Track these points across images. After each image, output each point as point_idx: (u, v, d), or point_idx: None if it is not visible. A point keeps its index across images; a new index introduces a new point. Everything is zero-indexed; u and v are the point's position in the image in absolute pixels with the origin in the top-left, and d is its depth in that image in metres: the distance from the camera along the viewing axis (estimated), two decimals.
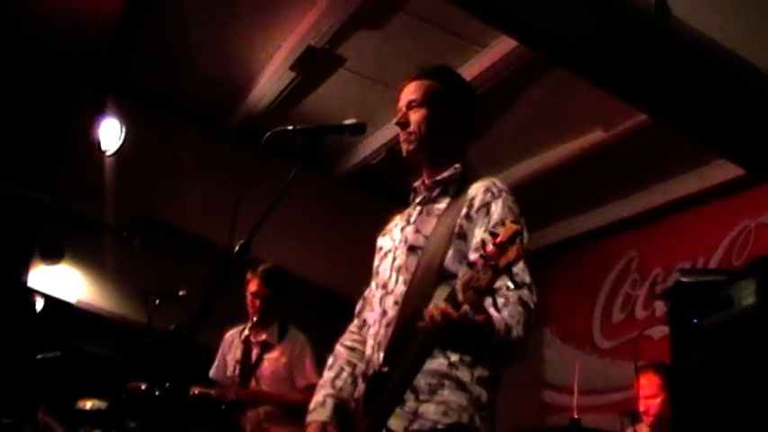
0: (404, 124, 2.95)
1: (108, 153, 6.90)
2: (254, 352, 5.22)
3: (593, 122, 6.06)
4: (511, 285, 2.42)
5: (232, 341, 5.36)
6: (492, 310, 2.43)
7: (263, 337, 5.23)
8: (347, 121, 3.08)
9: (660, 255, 7.00)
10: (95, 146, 6.91)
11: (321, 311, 5.44)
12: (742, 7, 3.38)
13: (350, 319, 3.04)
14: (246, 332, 5.27)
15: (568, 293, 7.77)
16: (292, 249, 7.05)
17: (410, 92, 2.96)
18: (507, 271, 2.31)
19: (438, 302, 2.36)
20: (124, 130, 6.90)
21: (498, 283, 2.39)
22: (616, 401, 6.71)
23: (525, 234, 2.75)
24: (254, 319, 5.20)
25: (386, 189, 7.13)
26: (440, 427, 2.57)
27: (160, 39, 6.49)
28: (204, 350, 5.54)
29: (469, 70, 5.81)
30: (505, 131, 6.60)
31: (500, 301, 2.48)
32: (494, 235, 2.33)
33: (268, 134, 3.02)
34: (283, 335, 5.27)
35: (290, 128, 3.06)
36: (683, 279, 3.56)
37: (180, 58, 6.61)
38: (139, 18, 6.32)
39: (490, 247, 2.29)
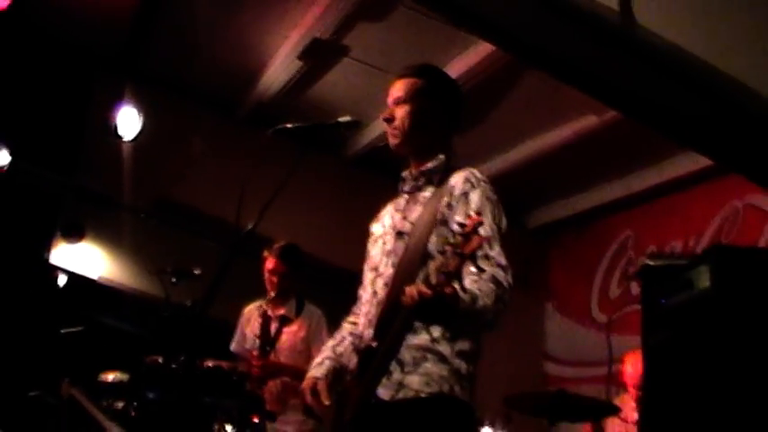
0: (389, 120, 3.24)
1: (126, 139, 7.17)
2: (273, 326, 5.51)
3: (586, 108, 6.28)
4: (474, 270, 2.75)
5: (251, 316, 5.65)
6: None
7: (282, 311, 5.54)
8: (341, 119, 3.41)
9: (654, 233, 7.29)
10: (113, 132, 7.16)
11: (332, 287, 5.71)
12: (703, 13, 3.63)
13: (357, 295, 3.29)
14: (265, 307, 5.59)
15: (568, 270, 8.08)
16: (304, 228, 7.30)
17: (396, 89, 3.24)
18: (472, 257, 2.66)
19: (417, 282, 2.68)
20: (141, 117, 7.15)
21: (472, 268, 2.75)
22: (613, 373, 7.03)
23: (503, 219, 3.09)
24: (272, 294, 5.51)
25: (392, 170, 7.34)
26: (422, 395, 2.87)
27: (175, 28, 6.73)
28: (225, 325, 5.86)
29: (468, 59, 6.09)
30: (504, 116, 6.88)
31: (472, 279, 2.81)
32: (461, 226, 2.66)
33: (270, 131, 3.34)
34: (300, 309, 5.57)
35: (290, 125, 3.37)
36: (650, 263, 3.84)
37: (194, 47, 6.86)
38: (155, 8, 6.57)
39: (457, 237, 2.63)
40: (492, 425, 5.20)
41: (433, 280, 2.62)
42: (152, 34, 6.96)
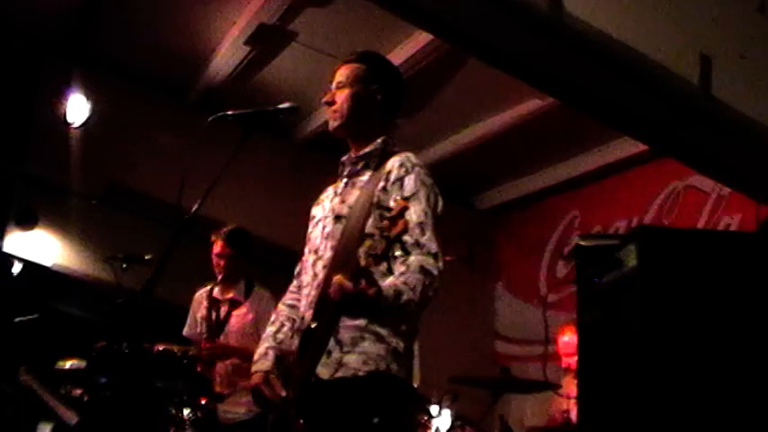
0: (330, 103, 3.35)
1: (74, 126, 7.17)
2: (223, 309, 5.62)
3: (530, 93, 6.38)
4: (400, 253, 2.86)
5: (201, 300, 5.76)
6: (388, 278, 2.87)
7: (231, 294, 5.65)
8: (281, 105, 3.50)
9: (599, 213, 7.47)
10: (62, 118, 7.17)
11: (283, 269, 5.82)
12: (631, 2, 3.75)
13: None
14: (215, 291, 5.69)
15: (518, 250, 8.24)
16: (256, 211, 7.44)
17: (338, 74, 3.35)
18: (398, 240, 2.76)
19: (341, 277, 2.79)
20: (90, 103, 7.16)
21: (397, 252, 2.85)
22: (550, 352, 7.20)
23: (439, 202, 3.20)
24: (220, 278, 5.61)
25: (342, 152, 7.48)
26: (360, 374, 2.99)
27: (122, 13, 6.73)
28: (180, 309, 5.94)
29: (414, 44, 6.19)
30: (451, 100, 6.99)
31: (401, 268, 2.92)
32: (388, 210, 2.77)
33: (210, 119, 3.42)
34: (249, 292, 5.68)
35: (230, 112, 3.46)
36: (582, 243, 3.97)
37: (142, 32, 6.89)
38: None
39: (384, 221, 2.73)
40: (439, 403, 5.33)
41: (362, 262, 2.72)
42: (100, 19, 6.95)
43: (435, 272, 2.97)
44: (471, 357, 7.68)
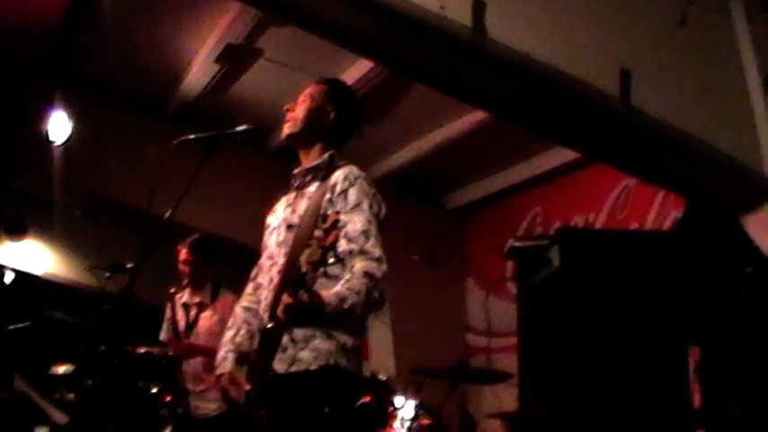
0: (289, 110, 3.71)
1: (57, 144, 7.48)
2: (192, 312, 5.99)
3: None
4: (333, 260, 3.24)
5: (171, 306, 6.12)
6: (336, 286, 3.26)
7: (198, 298, 6.02)
8: (239, 128, 3.85)
9: (559, 210, 7.76)
10: (46, 135, 7.47)
11: None
12: (552, 24, 4.08)
13: None
14: (184, 296, 6.07)
15: (486, 246, 8.52)
16: (231, 216, 7.78)
17: (305, 91, 3.74)
18: (332, 249, 3.15)
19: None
20: (72, 120, 7.47)
21: (331, 260, 3.23)
22: None
23: (382, 209, 3.56)
24: (185, 283, 6.00)
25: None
26: (312, 368, 3.35)
27: (100, 34, 6.89)
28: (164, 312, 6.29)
29: None
30: (414, 106, 7.28)
31: (347, 275, 3.30)
32: (324, 220, 3.15)
33: (174, 142, 3.77)
34: (216, 295, 6.07)
35: (191, 136, 3.80)
36: (515, 244, 4.34)
37: (119, 52, 7.11)
38: (81, 15, 6.88)
39: (319, 232, 3.12)
40: (404, 393, 5.65)
41: (303, 269, 3.10)
42: (79, 40, 7.25)
43: (379, 274, 3.32)
44: (443, 350, 7.95)
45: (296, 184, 3.73)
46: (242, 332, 3.70)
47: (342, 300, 3.22)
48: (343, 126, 3.78)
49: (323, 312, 3.18)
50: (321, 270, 3.19)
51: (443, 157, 7.94)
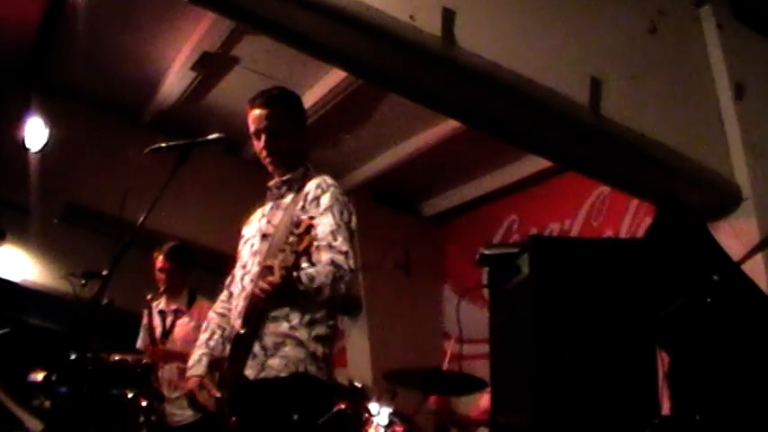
0: (260, 149, 3.72)
1: (33, 150, 7.46)
2: (168, 319, 6.01)
3: None
4: (307, 265, 3.27)
5: (148, 312, 6.13)
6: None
7: (175, 305, 6.04)
8: (211, 136, 3.86)
9: (535, 217, 7.78)
10: (23, 143, 7.46)
11: None
12: (520, 34, 4.13)
13: None
14: (161, 303, 6.08)
15: (463, 253, 8.50)
16: (205, 224, 7.80)
17: (258, 120, 3.69)
18: (305, 254, 3.19)
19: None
20: (48, 128, 7.46)
21: (304, 265, 3.26)
22: None
23: (353, 217, 3.61)
24: (162, 290, 6.01)
25: None
26: (282, 375, 3.40)
27: (78, 42, 6.93)
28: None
29: None
30: (390, 114, 7.27)
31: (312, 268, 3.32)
32: (297, 226, 3.19)
33: (146, 151, 3.78)
34: (192, 302, 6.08)
35: (164, 145, 3.81)
36: (486, 252, 4.36)
37: (96, 59, 7.14)
38: (58, 23, 6.85)
39: (292, 237, 3.14)
40: (378, 400, 5.66)
41: (276, 273, 3.14)
42: (55, 47, 7.23)
43: (345, 266, 3.38)
44: (421, 357, 7.98)
45: (271, 196, 3.78)
46: (216, 336, 3.75)
47: (311, 279, 3.27)
48: (302, 130, 3.84)
49: (297, 289, 3.21)
50: (294, 275, 3.23)
51: (420, 165, 7.96)
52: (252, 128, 3.72)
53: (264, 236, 3.64)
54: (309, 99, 6.75)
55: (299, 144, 3.79)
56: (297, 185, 3.69)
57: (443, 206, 8.85)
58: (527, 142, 4.63)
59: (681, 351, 3.88)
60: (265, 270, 3.36)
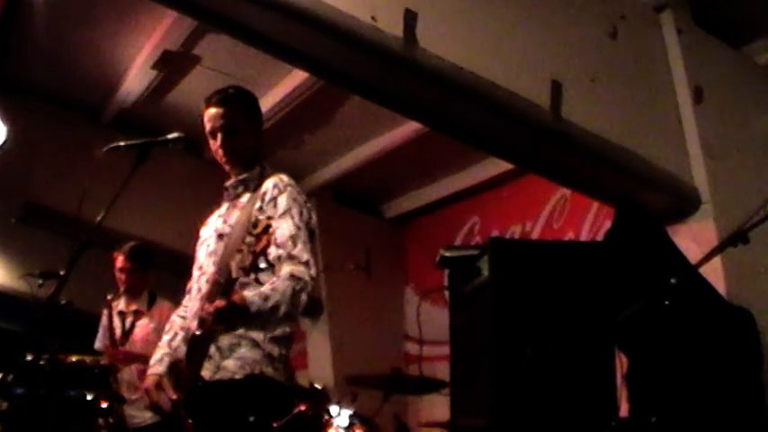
0: (217, 148, 3.70)
1: None
2: (128, 320, 5.96)
3: None
4: (264, 265, 3.25)
5: (108, 313, 6.08)
6: (257, 287, 3.27)
7: (135, 306, 5.99)
8: (171, 136, 3.82)
9: (497, 220, 7.81)
10: None
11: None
12: (484, 35, 4.13)
13: None
14: (120, 304, 6.03)
15: (424, 255, 8.50)
16: (165, 224, 7.74)
17: (216, 116, 3.68)
18: (263, 254, 3.18)
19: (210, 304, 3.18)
20: (6, 126, 7.35)
21: (262, 265, 3.24)
22: None
23: (312, 217, 3.58)
24: (122, 290, 5.96)
25: None
26: (237, 377, 3.37)
27: (37, 39, 6.88)
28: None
29: None
30: (352, 115, 7.25)
31: (273, 279, 3.31)
32: (254, 226, 3.17)
33: (104, 149, 3.74)
34: (152, 303, 6.04)
35: (122, 143, 3.76)
36: (446, 254, 4.38)
37: (56, 57, 7.07)
38: (16, 20, 6.70)
39: (250, 238, 3.13)
40: (339, 402, 5.65)
41: (234, 274, 3.13)
42: (13, 44, 7.11)
43: (306, 277, 3.34)
44: (382, 358, 7.98)
45: (228, 196, 3.76)
46: (178, 338, 3.71)
47: (265, 299, 3.24)
48: (258, 130, 3.82)
49: (248, 312, 3.18)
50: (252, 276, 3.22)
51: (382, 167, 7.95)
52: (208, 126, 3.70)
53: (221, 236, 3.63)
54: (271, 99, 6.74)
55: (256, 143, 3.77)
56: (253, 185, 3.68)
57: (405, 207, 8.86)
58: (488, 145, 4.64)
59: (639, 353, 3.92)
60: (215, 287, 3.37)
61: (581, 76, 4.55)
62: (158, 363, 3.62)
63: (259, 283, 3.35)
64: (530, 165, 4.93)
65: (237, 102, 3.74)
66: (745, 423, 4.02)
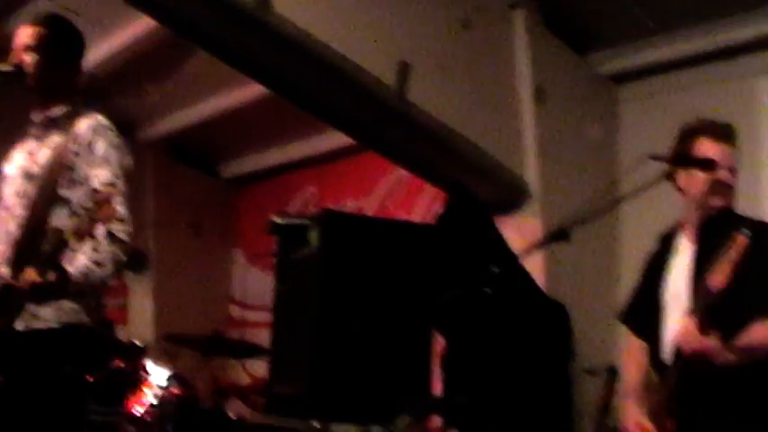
0: (18, 66, 3.46)
1: None
2: None
3: None
4: (104, 233, 3.14)
5: None
6: (78, 258, 3.14)
7: None
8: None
9: (333, 192, 7.84)
10: None
11: None
12: (337, 5, 4.12)
13: None
14: None
15: (257, 220, 8.42)
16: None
17: (24, 36, 3.38)
18: (99, 221, 3.03)
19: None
20: None
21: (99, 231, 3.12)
22: None
23: (130, 162, 3.38)
24: None
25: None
26: (54, 326, 3.19)
27: None
28: None
29: None
30: (197, 69, 6.99)
31: (92, 247, 3.18)
32: (95, 192, 3.05)
33: None
34: None
35: None
36: (277, 221, 4.37)
37: None
38: None
39: (91, 204, 3.01)
40: (158, 361, 5.55)
41: (69, 240, 2.99)
42: None
43: (125, 237, 3.18)
44: (206, 320, 7.88)
45: (35, 132, 3.50)
46: None
47: (86, 276, 3.13)
48: (75, 66, 3.53)
49: (67, 288, 3.10)
50: (89, 243, 3.09)
51: (223, 126, 7.79)
52: (17, 44, 3.41)
53: (29, 176, 3.39)
54: (115, 42, 6.48)
55: (67, 76, 3.50)
56: (64, 122, 3.40)
57: (242, 170, 8.76)
58: (330, 117, 4.64)
59: (456, 336, 4.02)
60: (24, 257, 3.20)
61: (430, 61, 4.60)
62: None
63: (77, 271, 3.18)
64: (370, 142, 4.96)
65: (49, 26, 3.45)
66: (551, 411, 4.20)
